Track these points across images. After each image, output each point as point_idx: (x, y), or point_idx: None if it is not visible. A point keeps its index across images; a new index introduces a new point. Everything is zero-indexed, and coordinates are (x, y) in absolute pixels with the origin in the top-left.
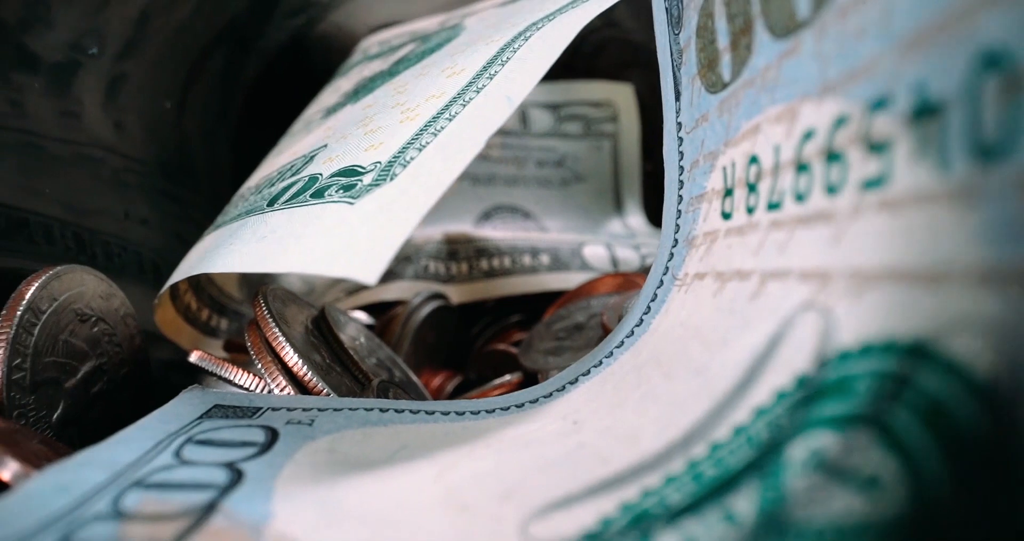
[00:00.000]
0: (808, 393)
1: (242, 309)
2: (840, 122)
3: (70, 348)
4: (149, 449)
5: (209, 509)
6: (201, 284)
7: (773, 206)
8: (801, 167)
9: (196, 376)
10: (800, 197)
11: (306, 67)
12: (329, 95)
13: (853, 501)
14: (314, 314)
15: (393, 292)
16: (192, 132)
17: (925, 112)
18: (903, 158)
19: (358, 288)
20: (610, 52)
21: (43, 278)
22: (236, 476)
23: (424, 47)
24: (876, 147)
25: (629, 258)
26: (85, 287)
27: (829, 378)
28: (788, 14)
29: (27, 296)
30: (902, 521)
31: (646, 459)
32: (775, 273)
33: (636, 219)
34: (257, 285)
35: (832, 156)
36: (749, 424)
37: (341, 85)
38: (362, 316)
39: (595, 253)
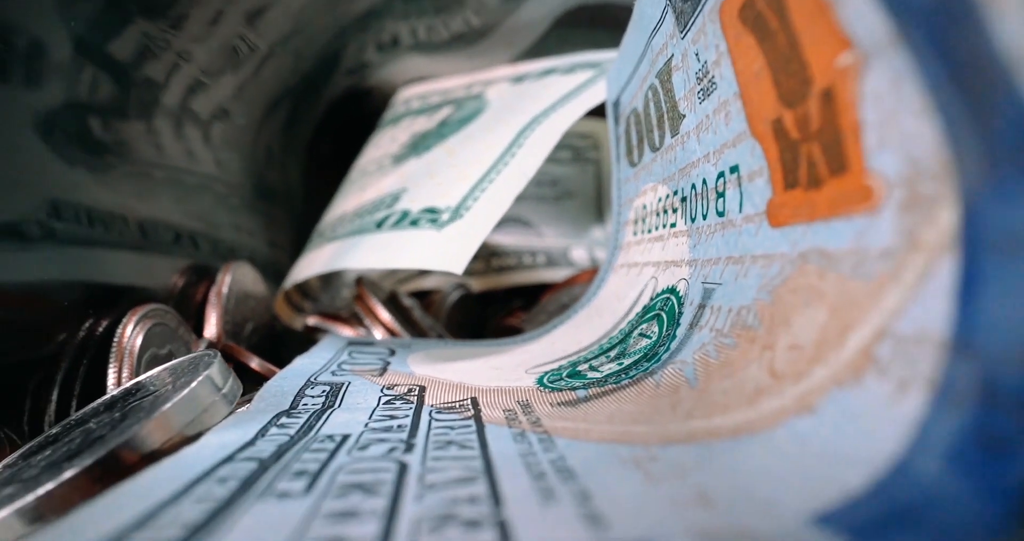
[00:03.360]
0: (645, 311)
1: (318, 295)
2: (667, 197)
3: (242, 313)
4: (333, 355)
5: (384, 368)
6: None
7: (649, 231)
8: (656, 214)
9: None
10: (657, 228)
11: (358, 112)
12: (388, 143)
13: (645, 341)
14: (387, 293)
15: (431, 282)
16: (270, 163)
17: (684, 199)
18: (679, 216)
19: (405, 278)
20: None
21: (230, 269)
22: (386, 362)
23: (460, 114)
24: (674, 210)
25: (605, 258)
26: (247, 276)
27: (651, 305)
28: (654, 141)
29: (226, 280)
30: (652, 345)
31: (581, 348)
32: (646, 263)
33: None
34: (327, 279)
35: (664, 211)
36: (624, 326)
37: (397, 135)
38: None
39: (579, 254)
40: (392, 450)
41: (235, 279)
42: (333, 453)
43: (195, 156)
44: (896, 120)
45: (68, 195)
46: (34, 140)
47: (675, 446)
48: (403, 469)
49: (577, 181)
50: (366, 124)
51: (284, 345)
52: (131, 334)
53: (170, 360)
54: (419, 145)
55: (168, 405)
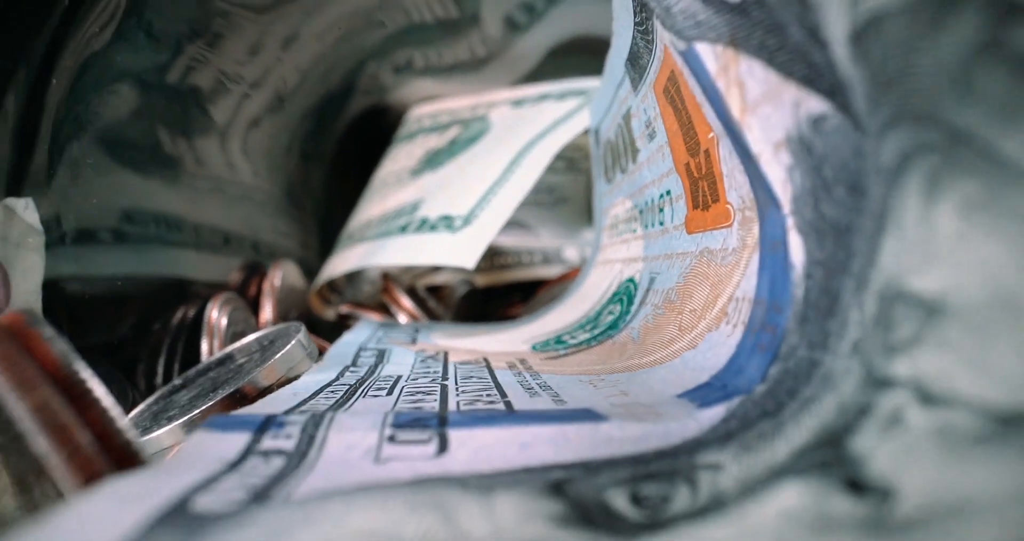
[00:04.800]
0: (613, 296)
1: (343, 289)
2: (631, 209)
3: (288, 303)
4: (372, 332)
5: (414, 341)
6: None
7: (619, 235)
8: (624, 222)
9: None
10: (624, 233)
11: (374, 127)
12: (405, 158)
13: (610, 317)
14: (406, 286)
15: (441, 278)
16: (300, 173)
17: (641, 212)
18: (638, 224)
19: (419, 274)
20: None
21: (280, 266)
22: (413, 337)
23: (467, 134)
24: (635, 219)
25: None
26: (292, 272)
27: (618, 291)
28: (623, 166)
29: (277, 275)
30: (615, 319)
31: (566, 325)
32: (616, 260)
33: None
34: (351, 276)
35: (629, 220)
36: (598, 308)
37: (412, 150)
38: None
39: (571, 253)
40: (433, 380)
41: (284, 275)
42: (395, 382)
43: (236, 168)
44: (733, 174)
45: (143, 203)
46: (107, 158)
47: (616, 374)
48: (444, 387)
49: (571, 188)
50: (382, 138)
51: (317, 331)
52: (217, 316)
53: (244, 336)
54: (433, 161)
55: (276, 357)
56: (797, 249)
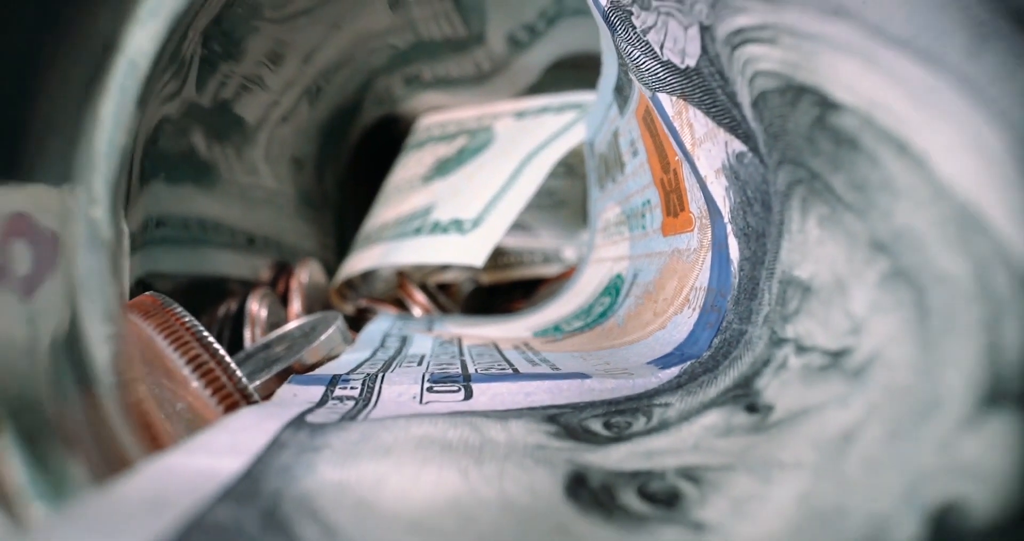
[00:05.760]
0: (604, 290)
1: (359, 286)
2: (621, 214)
3: (313, 297)
4: (392, 322)
5: (430, 328)
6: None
7: (610, 237)
8: (614, 225)
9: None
10: (614, 235)
11: (386, 134)
12: (415, 165)
13: (600, 308)
14: (418, 282)
15: (449, 276)
16: (315, 178)
17: (628, 217)
18: (625, 228)
19: (429, 273)
20: None
21: (305, 264)
22: (430, 327)
23: (474, 144)
24: (623, 223)
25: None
26: (316, 270)
27: (608, 286)
28: (613, 176)
29: (304, 272)
30: (604, 310)
31: (562, 316)
32: (607, 259)
33: None
34: (367, 274)
35: (618, 224)
36: (591, 301)
37: (423, 158)
38: None
39: (569, 253)
40: (453, 357)
41: (308, 271)
42: (422, 358)
43: (260, 173)
44: (693, 190)
45: (175, 208)
46: (161, 169)
47: (601, 351)
48: (463, 361)
49: (569, 192)
50: (393, 145)
51: None
52: (258, 308)
53: (279, 326)
54: (443, 168)
55: (321, 339)
56: (734, 248)
